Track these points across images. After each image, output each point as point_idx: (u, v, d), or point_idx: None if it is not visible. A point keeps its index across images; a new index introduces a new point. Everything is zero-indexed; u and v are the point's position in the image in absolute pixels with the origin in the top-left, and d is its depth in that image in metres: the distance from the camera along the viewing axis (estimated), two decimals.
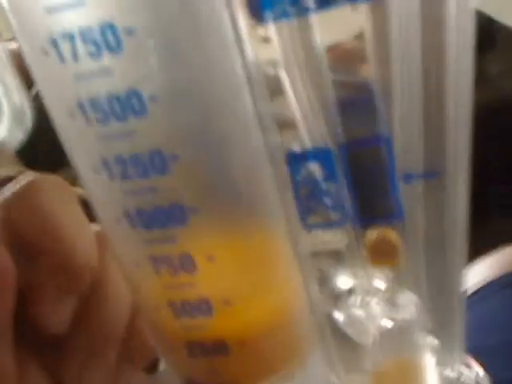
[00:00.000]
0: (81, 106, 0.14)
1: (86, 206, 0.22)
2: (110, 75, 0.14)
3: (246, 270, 0.18)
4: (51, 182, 0.22)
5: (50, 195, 0.21)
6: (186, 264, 0.16)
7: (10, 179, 0.21)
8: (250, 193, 0.17)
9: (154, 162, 0.15)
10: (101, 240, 0.22)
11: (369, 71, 0.16)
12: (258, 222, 0.18)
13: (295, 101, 0.17)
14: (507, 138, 0.42)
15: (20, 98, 0.17)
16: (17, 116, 0.18)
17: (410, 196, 0.17)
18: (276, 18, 0.15)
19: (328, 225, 0.18)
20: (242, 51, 0.15)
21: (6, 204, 0.21)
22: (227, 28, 0.15)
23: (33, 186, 0.22)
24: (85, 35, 0.13)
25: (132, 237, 0.16)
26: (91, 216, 0.22)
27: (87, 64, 0.14)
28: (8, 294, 0.19)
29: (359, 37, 0.16)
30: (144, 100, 0.14)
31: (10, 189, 0.22)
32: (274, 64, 0.16)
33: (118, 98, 0.14)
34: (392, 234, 0.17)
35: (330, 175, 0.17)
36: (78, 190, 0.23)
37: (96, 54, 0.14)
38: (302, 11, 0.15)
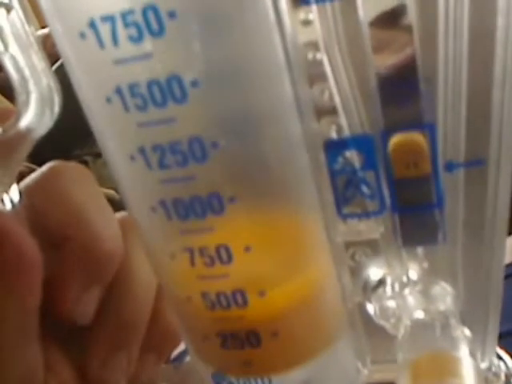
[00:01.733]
0: (119, 92, 0.14)
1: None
2: (151, 60, 0.13)
3: (280, 259, 0.17)
4: (73, 168, 0.22)
5: (72, 182, 0.21)
6: (223, 255, 0.16)
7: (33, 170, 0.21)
8: (287, 181, 0.17)
9: (194, 150, 0.14)
10: (125, 226, 0.22)
11: (412, 55, 0.15)
12: (294, 212, 0.17)
13: (336, 86, 0.16)
14: None
15: (48, 81, 0.17)
16: (45, 100, 0.17)
17: (451, 184, 0.17)
18: (319, 0, 0.14)
19: (365, 214, 0.18)
20: (282, 34, 0.15)
21: (29, 191, 0.21)
22: (269, 11, 0.14)
23: (54, 173, 0.21)
24: (126, 18, 0.13)
25: (167, 227, 0.16)
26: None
27: (127, 48, 0.13)
28: (35, 281, 0.19)
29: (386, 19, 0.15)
30: (185, 86, 0.14)
31: (31, 177, 0.21)
32: (315, 48, 0.16)
33: (158, 84, 0.14)
34: (418, 137, 0.16)
35: (368, 164, 0.17)
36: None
37: (137, 38, 0.13)
38: None
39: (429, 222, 0.17)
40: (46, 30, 0.20)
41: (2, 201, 0.20)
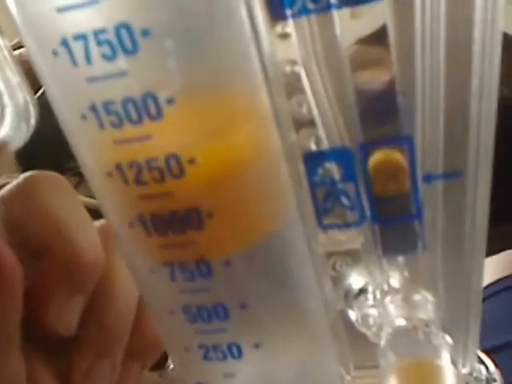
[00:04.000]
0: (93, 109, 0.14)
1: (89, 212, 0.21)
2: (125, 78, 0.13)
3: (262, 271, 0.17)
4: (50, 178, 0.21)
5: (50, 191, 0.21)
6: (203, 269, 0.16)
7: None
8: (266, 192, 0.17)
9: (171, 167, 0.14)
10: (105, 235, 0.21)
11: (391, 70, 0.15)
12: (273, 223, 0.17)
13: (314, 99, 0.16)
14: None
15: (23, 95, 0.17)
16: (20, 114, 0.17)
17: (430, 195, 0.17)
18: (296, 15, 0.14)
19: (345, 225, 0.18)
20: (259, 48, 0.15)
21: (6, 201, 0.20)
22: (245, 25, 0.14)
23: (32, 182, 0.21)
24: (99, 36, 0.13)
25: (147, 242, 0.16)
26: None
27: (101, 66, 0.13)
28: (16, 294, 0.18)
29: (378, 37, 0.15)
30: (160, 103, 0.14)
31: (8, 187, 0.21)
32: (292, 62, 0.15)
33: (133, 101, 0.13)
34: (397, 155, 0.16)
35: (348, 175, 0.17)
36: (81, 198, 0.23)
37: (111, 57, 0.13)
38: (324, 8, 0.14)
39: (409, 233, 0.17)
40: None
41: None
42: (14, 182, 0.21)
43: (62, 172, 0.22)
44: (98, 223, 0.22)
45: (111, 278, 0.22)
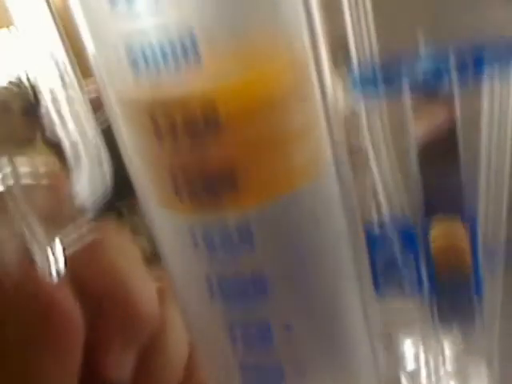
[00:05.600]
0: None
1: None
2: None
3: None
4: (116, 234, 0.22)
5: (114, 249, 0.22)
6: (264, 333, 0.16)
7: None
8: (328, 260, 0.17)
9: (242, 236, 0.15)
10: (160, 288, 0.22)
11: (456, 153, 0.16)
12: (333, 289, 0.18)
13: (378, 170, 0.17)
14: None
15: (98, 151, 0.18)
16: (95, 169, 0.18)
17: (490, 271, 0.17)
18: (367, 97, 0.15)
19: (402, 294, 0.18)
20: (330, 126, 0.16)
21: (72, 258, 0.22)
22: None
23: (98, 239, 0.22)
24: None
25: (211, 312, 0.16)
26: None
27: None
28: (77, 347, 0.19)
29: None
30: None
31: (76, 242, 0.22)
32: (360, 138, 0.16)
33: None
34: (459, 231, 0.16)
35: (408, 247, 0.17)
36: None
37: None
38: (395, 93, 0.15)
39: (466, 305, 0.18)
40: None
41: (49, 266, 0.21)
42: (83, 239, 0.22)
43: (108, 209, 0.23)
44: (155, 275, 0.23)
45: (164, 333, 0.22)
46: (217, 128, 0.14)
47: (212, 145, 0.15)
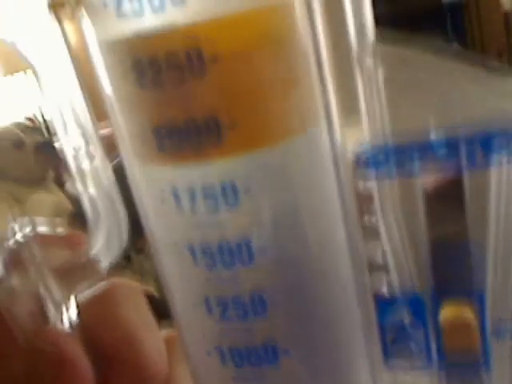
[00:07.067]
0: (191, 250, 0.15)
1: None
2: (224, 227, 0.15)
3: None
4: (126, 287, 0.23)
5: (125, 302, 0.22)
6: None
7: None
8: (336, 330, 0.17)
9: (255, 305, 0.15)
10: (169, 343, 0.23)
11: (464, 230, 0.16)
12: (342, 357, 0.18)
13: (389, 245, 0.17)
14: None
15: (118, 219, 0.18)
16: (113, 232, 0.18)
17: (499, 349, 0.17)
18: (380, 177, 0.16)
19: (411, 367, 0.18)
20: (343, 204, 0.16)
21: (84, 310, 0.22)
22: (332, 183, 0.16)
23: (109, 292, 0.22)
24: (206, 191, 0.14)
25: (222, 372, 0.17)
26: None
27: (204, 216, 0.15)
28: None
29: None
30: (253, 250, 0.15)
31: (86, 297, 0.22)
32: (372, 212, 0.17)
33: (228, 248, 0.15)
34: (468, 312, 0.17)
35: (417, 322, 0.17)
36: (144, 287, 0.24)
37: (214, 209, 0.14)
38: (406, 174, 0.15)
39: (475, 380, 0.18)
40: None
41: (62, 320, 0.21)
42: (92, 293, 0.22)
43: None
44: (164, 331, 0.23)
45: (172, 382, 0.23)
46: (201, 70, 0.14)
47: (196, 91, 0.14)
